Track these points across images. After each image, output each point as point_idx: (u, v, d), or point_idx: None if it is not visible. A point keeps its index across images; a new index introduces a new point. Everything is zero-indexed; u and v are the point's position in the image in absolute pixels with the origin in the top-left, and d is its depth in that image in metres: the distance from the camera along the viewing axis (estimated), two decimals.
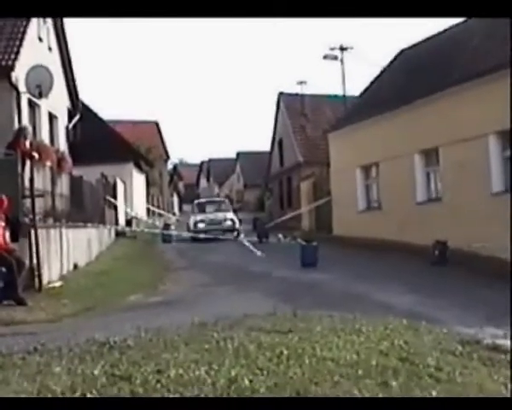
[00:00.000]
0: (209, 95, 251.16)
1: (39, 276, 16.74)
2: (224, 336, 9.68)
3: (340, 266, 23.85)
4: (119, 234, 35.72)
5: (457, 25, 29.39)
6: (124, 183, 42.40)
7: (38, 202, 17.82)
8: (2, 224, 15.65)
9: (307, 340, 9.46)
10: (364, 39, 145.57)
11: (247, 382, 7.30)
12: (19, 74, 22.58)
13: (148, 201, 58.93)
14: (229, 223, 39.92)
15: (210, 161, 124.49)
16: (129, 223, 40.86)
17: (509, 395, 7.43)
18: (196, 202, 48.29)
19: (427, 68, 29.17)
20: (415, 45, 34.69)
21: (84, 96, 37.64)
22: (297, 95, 54.96)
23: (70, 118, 32.58)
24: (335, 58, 46.86)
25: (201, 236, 35.48)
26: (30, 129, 20.29)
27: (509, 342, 10.40)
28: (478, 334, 11.14)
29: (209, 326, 10.81)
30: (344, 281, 20.21)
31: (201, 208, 44.01)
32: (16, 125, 21.79)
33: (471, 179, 24.21)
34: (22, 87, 21.17)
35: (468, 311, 15.14)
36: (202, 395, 6.83)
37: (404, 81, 31.13)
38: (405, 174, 28.93)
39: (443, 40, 30.16)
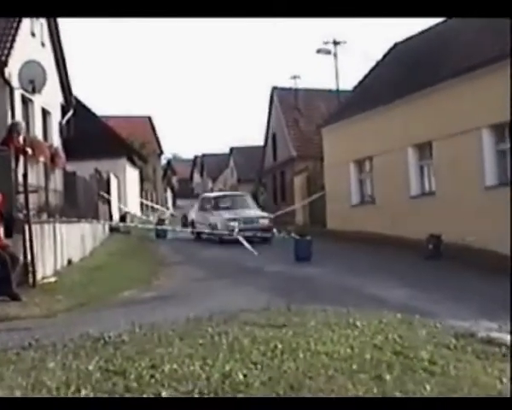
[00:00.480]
0: (203, 90, 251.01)
1: (33, 272, 16.69)
2: (219, 331, 9.68)
3: (334, 261, 23.88)
4: (113, 229, 35.64)
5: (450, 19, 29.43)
6: (117, 178, 42.35)
7: (32, 198, 17.78)
8: None
9: (301, 334, 9.47)
10: (358, 33, 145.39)
11: (241, 376, 7.31)
12: (12, 70, 22.55)
13: (141, 196, 58.88)
14: (265, 221, 33.14)
15: (204, 155, 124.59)
16: (123, 218, 40.78)
17: (505, 391, 7.43)
18: (212, 195, 39.81)
19: (421, 62, 29.20)
20: (408, 39, 34.75)
21: (78, 91, 37.52)
22: (290, 89, 55.00)
23: (63, 113, 32.54)
24: (329, 52, 46.89)
25: (231, 237, 29.91)
26: (23, 125, 20.20)
27: (503, 336, 10.43)
28: (472, 327, 11.16)
29: (204, 321, 10.81)
30: (338, 275, 20.24)
31: (220, 204, 35.46)
32: (9, 121, 21.72)
33: (464, 173, 24.26)
34: (15, 83, 21.14)
35: (462, 304, 15.18)
36: (197, 390, 6.84)
37: (398, 75, 31.16)
38: (399, 168, 28.98)
39: (436, 34, 30.17)
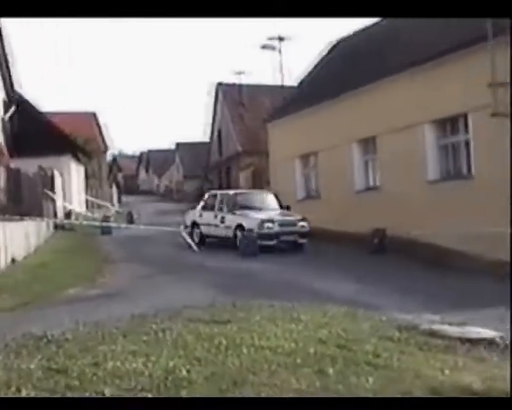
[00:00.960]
0: (149, 86, 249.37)
1: None
2: (163, 328, 9.68)
3: (281, 255, 23.93)
4: (57, 227, 35.28)
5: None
6: (61, 175, 41.90)
7: None
8: None
9: (246, 330, 9.50)
10: (303, 29, 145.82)
11: (184, 372, 7.31)
12: None
13: (86, 193, 58.33)
14: (305, 225, 26.80)
15: (149, 151, 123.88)
16: (68, 215, 40.39)
17: (446, 382, 7.53)
18: (231, 193, 30.77)
19: (364, 58, 29.39)
20: (352, 35, 34.92)
21: (21, 87, 36.95)
22: (235, 85, 55.02)
23: (6, 110, 32.12)
24: (274, 48, 47.00)
25: (270, 242, 25.48)
26: None
27: (445, 328, 10.59)
28: (415, 320, 11.29)
29: (148, 318, 10.79)
30: (284, 270, 20.31)
31: (243, 203, 28.47)
32: None
33: (408, 168, 24.50)
34: None
35: (406, 298, 15.36)
36: (139, 387, 6.82)
37: (342, 71, 31.33)
38: (344, 163, 29.14)
39: (379, 31, 30.35)
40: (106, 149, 79.62)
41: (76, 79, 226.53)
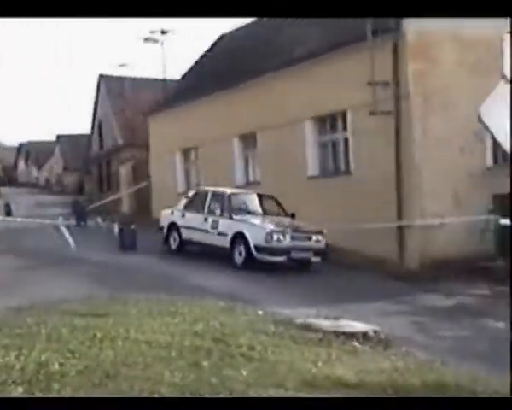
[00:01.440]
0: (29, 77, 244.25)
1: None
2: (38, 321, 9.52)
3: (160, 249, 23.80)
4: None
5: None
6: None
7: None
8: None
9: (122, 323, 9.44)
10: (186, 23, 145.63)
11: (56, 366, 7.22)
12: None
13: None
14: (319, 239, 20.64)
15: (29, 143, 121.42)
16: None
17: (320, 374, 7.65)
18: (227, 192, 23.12)
19: (246, 54, 29.56)
20: (235, 31, 35.01)
21: None
22: (117, 78, 54.43)
23: None
24: (156, 41, 46.73)
25: (278, 258, 20.11)
26: None
27: (319, 321, 10.79)
28: (291, 314, 11.45)
29: (24, 311, 10.60)
30: (164, 264, 20.26)
31: (241, 206, 22.68)
32: None
33: (288, 163, 24.75)
34: None
35: (282, 293, 15.58)
36: (10, 381, 6.68)
37: (224, 66, 31.36)
38: (225, 158, 29.18)
39: (261, 27, 30.51)
40: None
41: None
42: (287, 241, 20.13)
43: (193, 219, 22.79)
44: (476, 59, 20.07)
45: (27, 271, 19.35)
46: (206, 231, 22.05)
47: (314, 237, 20.63)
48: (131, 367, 7.31)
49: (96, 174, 60.29)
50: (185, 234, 22.95)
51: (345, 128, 23.22)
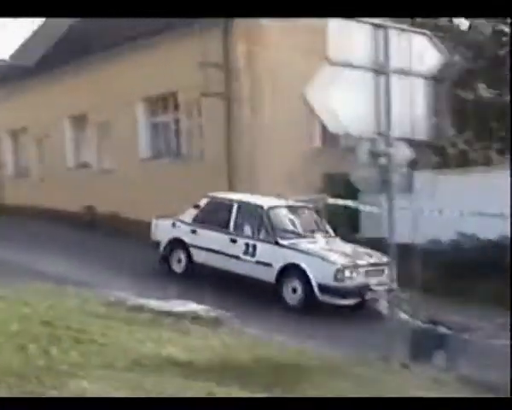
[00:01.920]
0: None
1: None
2: None
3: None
4: None
5: None
6: None
7: None
8: None
9: None
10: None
11: None
12: None
13: None
14: (386, 270, 13.87)
15: None
16: None
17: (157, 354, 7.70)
18: (265, 205, 16.59)
19: (74, 35, 28.96)
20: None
21: None
22: None
23: None
24: None
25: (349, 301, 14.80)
26: None
27: (150, 302, 10.85)
28: (123, 296, 11.45)
29: None
30: None
31: (287, 226, 16.78)
32: None
33: (120, 145, 24.58)
34: None
35: (116, 274, 15.53)
36: None
37: (53, 48, 30.66)
38: (55, 140, 28.65)
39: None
40: None
41: None
42: (360, 278, 14.95)
43: (211, 238, 16.92)
44: (311, 44, 20.45)
45: None
46: (236, 258, 16.23)
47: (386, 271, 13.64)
48: None
49: None
50: (198, 256, 17.06)
51: (176, 109, 23.30)
